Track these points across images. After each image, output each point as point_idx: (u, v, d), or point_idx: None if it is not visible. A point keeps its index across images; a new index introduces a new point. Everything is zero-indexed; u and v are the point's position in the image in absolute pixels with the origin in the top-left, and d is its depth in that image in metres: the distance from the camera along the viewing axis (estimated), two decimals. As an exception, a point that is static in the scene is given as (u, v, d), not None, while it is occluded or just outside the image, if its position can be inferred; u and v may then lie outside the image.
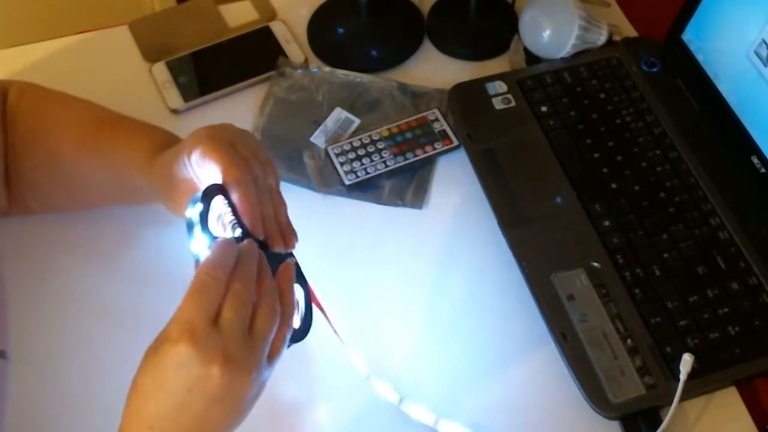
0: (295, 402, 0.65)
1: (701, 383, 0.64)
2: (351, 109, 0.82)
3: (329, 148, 0.78)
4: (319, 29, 0.89)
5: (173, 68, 0.84)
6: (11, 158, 0.68)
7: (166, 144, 0.65)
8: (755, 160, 0.75)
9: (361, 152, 0.78)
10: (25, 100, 0.69)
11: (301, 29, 0.89)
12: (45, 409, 0.65)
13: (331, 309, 0.70)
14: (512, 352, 0.68)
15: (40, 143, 0.68)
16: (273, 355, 0.52)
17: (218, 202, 0.55)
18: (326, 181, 0.77)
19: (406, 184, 0.77)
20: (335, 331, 0.62)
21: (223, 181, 0.56)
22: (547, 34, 0.82)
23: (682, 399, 0.63)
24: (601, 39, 0.84)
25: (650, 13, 0.89)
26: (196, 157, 0.57)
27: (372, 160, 0.78)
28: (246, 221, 0.55)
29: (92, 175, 0.68)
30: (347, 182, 0.76)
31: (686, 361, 0.63)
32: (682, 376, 0.63)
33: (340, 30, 0.89)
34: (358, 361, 0.64)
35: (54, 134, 0.68)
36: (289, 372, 0.66)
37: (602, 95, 0.81)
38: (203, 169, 0.57)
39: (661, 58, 0.83)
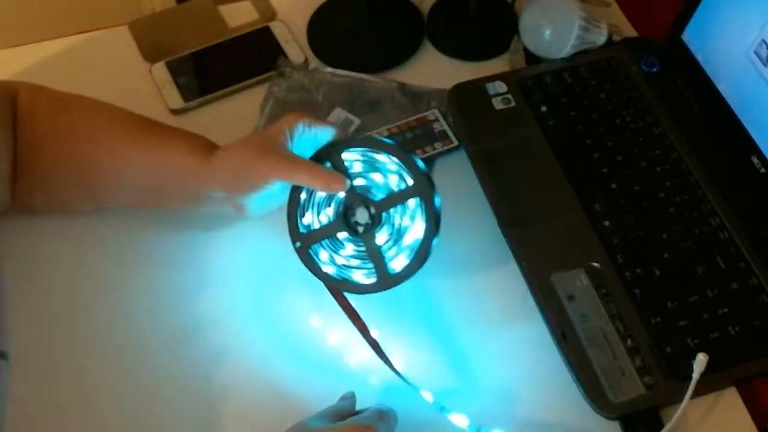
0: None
1: (701, 383, 0.63)
2: (351, 109, 0.82)
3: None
4: (319, 29, 0.89)
5: (173, 68, 0.84)
6: (25, 155, 0.68)
7: (211, 143, 0.69)
8: (755, 160, 0.75)
9: (361, 152, 0.78)
10: (43, 102, 0.69)
11: (301, 29, 0.89)
12: (45, 409, 0.65)
13: (331, 309, 0.70)
14: (512, 352, 0.68)
15: (62, 141, 0.68)
16: None
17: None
18: (326, 181, 0.77)
19: (406, 184, 0.77)
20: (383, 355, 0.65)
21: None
22: (547, 34, 0.82)
23: (681, 400, 0.63)
24: (601, 39, 0.84)
25: (650, 13, 0.89)
26: (301, 125, 0.65)
27: (372, 160, 0.77)
28: None
29: (126, 172, 0.69)
30: (347, 182, 0.76)
31: (700, 360, 0.63)
32: (695, 375, 0.63)
33: (340, 30, 0.89)
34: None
35: (84, 133, 0.69)
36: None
37: (602, 95, 0.81)
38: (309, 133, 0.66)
39: (661, 58, 0.83)
